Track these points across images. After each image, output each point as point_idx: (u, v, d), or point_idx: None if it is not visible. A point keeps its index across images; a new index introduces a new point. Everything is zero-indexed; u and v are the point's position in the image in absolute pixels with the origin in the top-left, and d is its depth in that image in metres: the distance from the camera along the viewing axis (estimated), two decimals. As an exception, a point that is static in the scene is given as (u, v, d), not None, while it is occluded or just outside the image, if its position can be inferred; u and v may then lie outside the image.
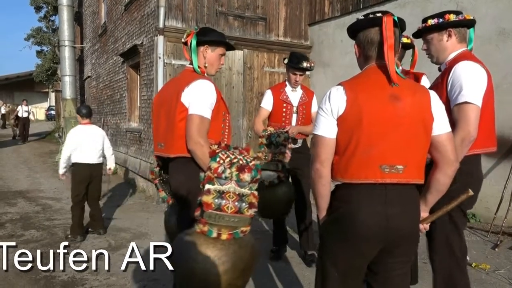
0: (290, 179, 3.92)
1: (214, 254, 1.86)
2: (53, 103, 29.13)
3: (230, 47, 2.53)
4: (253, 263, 2.03)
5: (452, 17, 2.21)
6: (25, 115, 16.53)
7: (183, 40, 2.41)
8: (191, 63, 2.37)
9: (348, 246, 1.70)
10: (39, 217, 5.53)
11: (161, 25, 6.57)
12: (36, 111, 28.78)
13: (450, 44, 2.25)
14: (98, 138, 4.82)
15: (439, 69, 2.36)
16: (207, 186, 1.94)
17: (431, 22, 2.25)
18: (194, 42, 2.34)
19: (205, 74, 2.41)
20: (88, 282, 3.41)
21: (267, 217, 3.90)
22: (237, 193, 1.94)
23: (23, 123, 16.45)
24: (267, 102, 3.87)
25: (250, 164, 1.99)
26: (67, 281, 3.43)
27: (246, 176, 1.94)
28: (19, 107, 17.07)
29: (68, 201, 6.52)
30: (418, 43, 2.65)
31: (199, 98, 2.19)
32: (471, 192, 1.86)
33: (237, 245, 1.93)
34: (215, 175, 1.94)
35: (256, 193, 1.99)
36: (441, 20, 2.23)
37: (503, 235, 4.54)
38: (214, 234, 1.91)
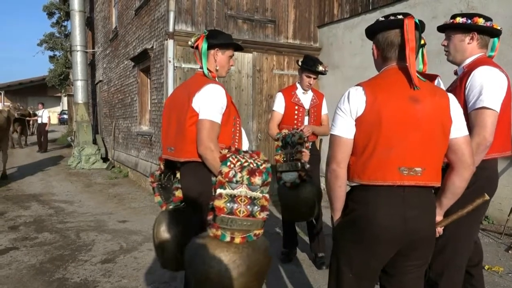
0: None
1: (228, 258, 1.87)
2: (65, 107, 29.50)
3: (238, 48, 2.54)
4: (267, 265, 2.04)
5: (481, 22, 2.17)
6: (40, 121, 15.05)
7: (190, 43, 2.42)
8: (202, 67, 2.38)
9: (364, 248, 1.68)
10: (52, 220, 5.60)
11: (171, 29, 6.62)
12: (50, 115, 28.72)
13: (470, 47, 2.22)
14: None
15: (455, 73, 2.33)
16: (218, 191, 1.96)
17: (459, 20, 2.21)
18: (205, 46, 2.34)
19: (216, 77, 2.42)
20: (100, 285, 3.44)
21: (295, 220, 3.81)
22: (248, 196, 1.95)
23: (40, 130, 14.90)
24: (279, 105, 3.86)
25: (261, 167, 2.00)
26: (80, 283, 3.46)
27: (257, 180, 1.95)
28: (39, 111, 15.29)
29: (80, 204, 6.61)
30: (428, 43, 2.63)
31: (209, 103, 2.20)
32: (487, 197, 1.83)
33: (250, 248, 1.94)
34: (226, 179, 1.96)
35: (267, 196, 2.00)
36: (469, 21, 2.19)
37: (517, 237, 4.47)
38: (228, 238, 1.92)
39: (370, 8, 6.83)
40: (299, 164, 3.24)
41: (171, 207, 2.46)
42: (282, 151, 3.43)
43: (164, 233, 2.38)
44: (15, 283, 3.47)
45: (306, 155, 3.31)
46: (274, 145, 3.55)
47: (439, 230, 1.89)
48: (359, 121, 1.65)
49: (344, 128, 1.68)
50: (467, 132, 1.71)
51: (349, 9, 7.32)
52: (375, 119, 1.62)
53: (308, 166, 3.30)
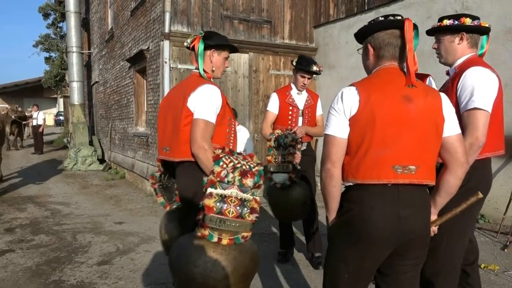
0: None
1: (214, 259, 1.87)
2: (61, 109, 29.40)
3: (234, 50, 2.55)
4: (253, 269, 2.03)
5: (468, 21, 2.18)
6: (34, 123, 14.78)
7: (186, 44, 2.43)
8: (197, 68, 2.39)
9: (359, 248, 1.68)
10: (48, 222, 5.57)
11: (166, 30, 6.61)
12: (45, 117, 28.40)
13: (460, 48, 2.23)
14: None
15: (447, 73, 2.34)
16: (209, 190, 1.96)
17: (446, 22, 2.22)
18: (201, 47, 2.36)
19: (212, 78, 2.43)
20: (96, 286, 3.43)
21: (284, 221, 3.83)
22: (239, 197, 1.95)
23: (35, 132, 14.76)
24: (274, 106, 3.87)
25: (253, 169, 2.00)
26: (76, 285, 3.45)
27: (249, 181, 1.95)
28: (34, 113, 15.04)
29: (76, 206, 6.59)
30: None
31: (204, 103, 2.21)
32: (480, 195, 1.84)
33: (237, 250, 1.94)
34: (218, 179, 1.96)
35: (258, 198, 1.99)
36: (456, 22, 2.20)
37: (513, 236, 4.49)
38: (215, 239, 1.92)
39: (366, 8, 6.85)
40: (290, 166, 3.27)
41: (174, 206, 2.47)
42: (274, 151, 3.45)
43: (170, 232, 2.39)
44: (11, 286, 3.46)
45: (297, 157, 3.34)
46: (267, 145, 3.57)
47: (434, 229, 1.90)
48: (352, 121, 1.66)
49: (338, 128, 1.69)
50: (459, 130, 1.72)
51: (344, 9, 7.34)
52: (368, 119, 1.62)
53: (299, 167, 3.34)
